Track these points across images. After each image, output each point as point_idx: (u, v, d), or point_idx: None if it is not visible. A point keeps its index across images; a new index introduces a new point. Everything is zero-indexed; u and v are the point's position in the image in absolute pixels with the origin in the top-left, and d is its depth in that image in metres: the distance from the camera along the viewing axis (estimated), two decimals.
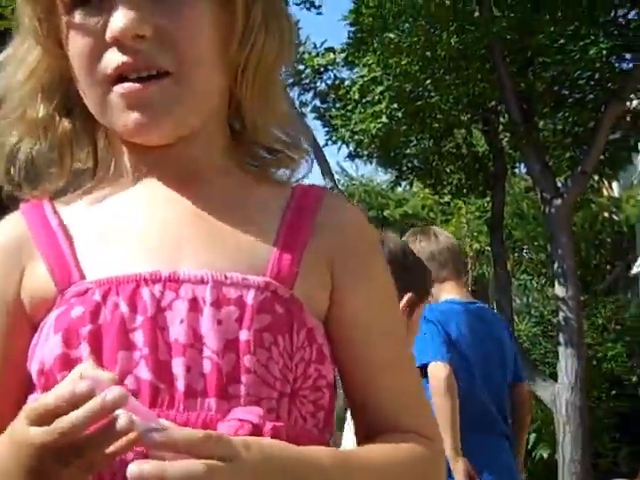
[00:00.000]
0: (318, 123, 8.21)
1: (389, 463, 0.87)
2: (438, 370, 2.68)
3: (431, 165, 9.03)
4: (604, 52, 6.93)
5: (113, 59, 0.85)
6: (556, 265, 7.74)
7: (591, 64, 7.06)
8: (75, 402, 0.70)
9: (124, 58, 0.84)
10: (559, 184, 8.18)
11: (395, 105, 7.29)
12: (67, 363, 0.81)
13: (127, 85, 0.85)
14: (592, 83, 7.84)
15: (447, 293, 3.05)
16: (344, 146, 8.16)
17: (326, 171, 7.80)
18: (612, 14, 7.63)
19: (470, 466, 2.72)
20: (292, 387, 0.84)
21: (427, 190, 10.95)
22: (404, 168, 9.25)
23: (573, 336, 7.55)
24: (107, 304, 0.83)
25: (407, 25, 7.05)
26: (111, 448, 0.71)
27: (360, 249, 0.94)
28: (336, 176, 8.95)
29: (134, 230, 0.90)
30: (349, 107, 7.64)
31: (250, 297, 0.83)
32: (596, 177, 8.67)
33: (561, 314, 7.66)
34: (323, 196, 0.94)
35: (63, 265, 0.88)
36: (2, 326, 0.89)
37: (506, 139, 8.51)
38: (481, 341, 2.96)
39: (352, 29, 7.42)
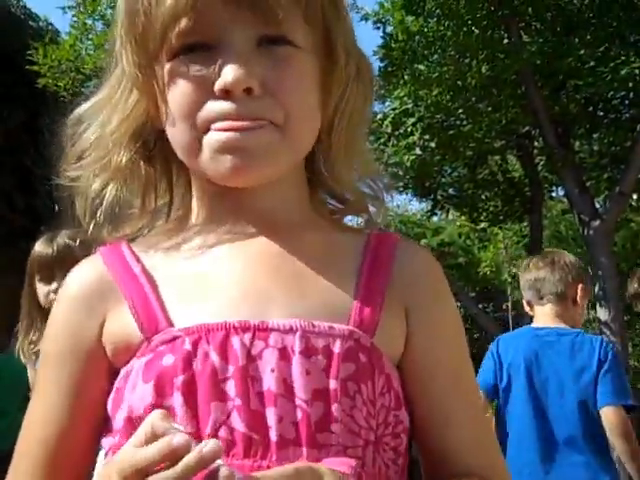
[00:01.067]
0: None
1: None
2: None
3: (466, 193, 9.01)
4: (636, 71, 6.89)
5: (218, 107, 0.85)
6: (597, 287, 7.64)
7: (624, 84, 7.02)
8: (173, 457, 0.69)
9: (231, 107, 0.84)
10: (597, 205, 8.11)
11: (428, 136, 7.29)
12: None
13: (229, 132, 0.85)
14: (626, 102, 7.80)
15: (534, 320, 3.16)
16: None
17: None
18: None
19: None
20: (376, 435, 0.84)
21: (463, 218, 10.92)
22: (439, 197, 9.24)
23: None
24: (198, 353, 0.83)
25: (436, 56, 7.08)
26: None
27: (433, 294, 0.94)
28: (372, 208, 8.92)
29: (218, 278, 0.90)
30: (382, 140, 7.66)
31: (337, 346, 0.83)
32: (635, 196, 8.57)
33: (604, 337, 7.56)
34: (397, 243, 0.95)
35: (149, 311, 0.88)
36: (78, 371, 0.90)
37: (542, 163, 8.46)
38: (540, 366, 3.02)
39: (382, 63, 7.47)
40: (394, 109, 7.44)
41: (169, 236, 0.95)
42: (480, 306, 10.18)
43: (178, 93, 0.87)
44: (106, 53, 0.98)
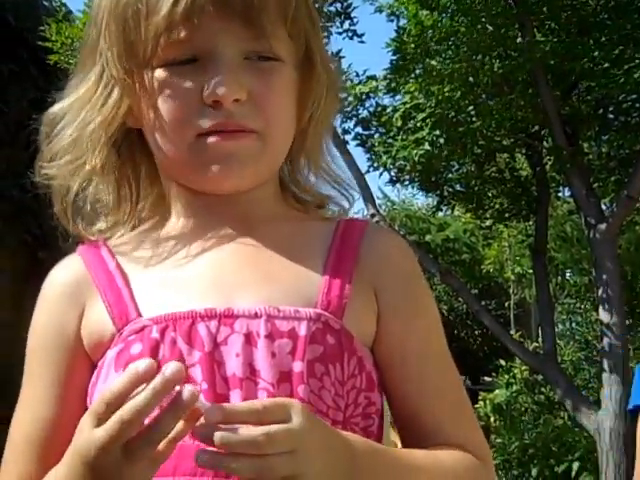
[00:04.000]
0: (360, 150, 8.23)
1: (437, 459, 0.90)
2: None
3: (473, 190, 8.98)
4: None
5: (209, 118, 0.90)
6: (600, 290, 7.63)
7: (636, 87, 6.98)
8: (140, 382, 0.72)
9: (219, 119, 0.89)
10: (604, 207, 8.08)
11: (437, 131, 7.27)
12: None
13: (217, 139, 0.90)
14: (637, 106, 7.75)
15: None
16: (385, 172, 8.15)
17: (368, 198, 7.80)
18: None
19: None
20: (344, 415, 0.87)
21: (469, 214, 10.89)
22: (445, 193, 9.22)
23: (618, 363, 7.42)
24: (165, 341, 0.86)
25: (449, 52, 7.05)
26: (176, 428, 0.72)
27: (403, 275, 0.98)
28: (377, 201, 8.94)
29: (189, 270, 0.93)
30: (391, 134, 7.64)
31: (302, 329, 0.86)
32: None
33: (605, 340, 7.55)
34: (365, 227, 0.99)
35: (120, 304, 0.91)
36: (63, 363, 0.93)
37: (550, 163, 8.44)
38: None
39: (394, 57, 7.44)
40: (404, 103, 7.42)
41: (145, 234, 1.00)
42: (482, 303, 10.17)
43: (169, 103, 0.90)
44: (80, 48, 1.00)
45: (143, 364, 0.73)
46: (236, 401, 0.82)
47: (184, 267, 0.94)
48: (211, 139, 0.90)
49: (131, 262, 0.96)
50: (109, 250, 0.98)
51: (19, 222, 7.84)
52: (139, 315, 0.90)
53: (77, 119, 0.96)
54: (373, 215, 7.88)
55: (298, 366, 0.85)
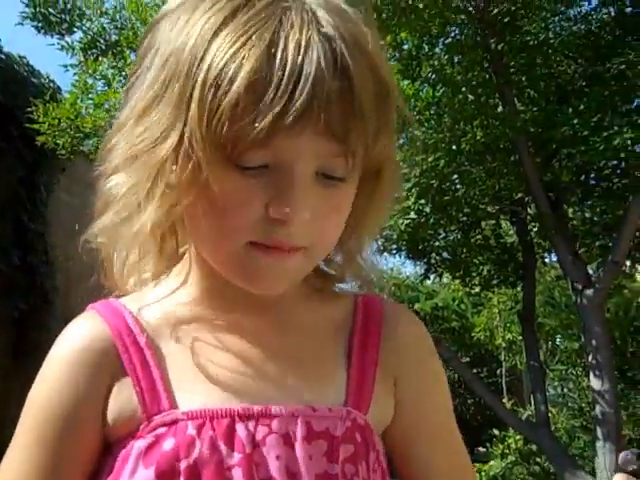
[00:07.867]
0: None
1: None
2: None
3: (460, 257, 9.03)
4: (628, 141, 6.97)
5: (268, 233, 0.82)
6: (590, 357, 7.62)
7: (616, 153, 7.09)
8: None
9: (279, 237, 0.82)
10: (590, 271, 8.12)
11: (423, 200, 7.35)
12: None
13: (267, 254, 0.84)
14: (618, 172, 7.88)
15: None
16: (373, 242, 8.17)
17: None
18: (634, 103, 7.72)
19: None
20: None
21: (457, 282, 10.92)
22: (433, 261, 9.26)
23: (611, 430, 7.35)
24: (202, 439, 0.82)
25: (432, 121, 7.16)
26: None
27: (422, 362, 0.96)
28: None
29: (218, 359, 0.89)
30: None
31: (337, 429, 0.84)
32: (628, 262, 8.60)
33: (598, 407, 7.49)
34: (383, 308, 0.96)
35: (153, 390, 0.86)
36: (68, 432, 0.87)
37: (535, 229, 8.51)
38: None
39: None
40: None
41: (174, 309, 0.93)
42: (474, 371, 10.10)
43: (230, 204, 0.82)
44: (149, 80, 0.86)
45: None
46: None
47: (215, 354, 0.89)
48: (260, 252, 0.83)
49: (161, 338, 0.90)
50: (135, 320, 0.91)
51: (6, 298, 7.78)
52: (171, 406, 0.84)
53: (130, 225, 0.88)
54: (361, 287, 7.86)
55: (333, 468, 0.82)
